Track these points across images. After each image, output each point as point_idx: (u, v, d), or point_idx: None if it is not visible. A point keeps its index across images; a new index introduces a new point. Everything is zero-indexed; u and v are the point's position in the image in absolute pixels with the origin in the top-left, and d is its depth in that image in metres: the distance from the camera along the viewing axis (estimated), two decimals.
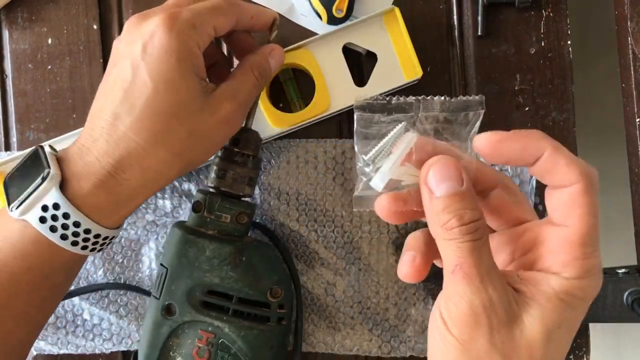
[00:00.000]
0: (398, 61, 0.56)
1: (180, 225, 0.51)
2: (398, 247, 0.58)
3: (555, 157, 0.34)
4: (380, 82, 0.57)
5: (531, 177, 0.57)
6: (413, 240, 0.38)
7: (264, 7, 0.52)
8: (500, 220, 0.39)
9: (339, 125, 0.59)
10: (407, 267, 0.37)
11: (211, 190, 0.51)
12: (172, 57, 0.41)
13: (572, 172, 0.33)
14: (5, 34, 0.61)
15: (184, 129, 0.42)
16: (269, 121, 0.56)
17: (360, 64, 0.59)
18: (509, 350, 0.32)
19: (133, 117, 0.41)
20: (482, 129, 0.58)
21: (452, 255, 0.33)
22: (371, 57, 0.58)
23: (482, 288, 0.32)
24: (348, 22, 0.56)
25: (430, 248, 0.37)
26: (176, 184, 0.59)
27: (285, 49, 0.56)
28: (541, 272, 0.34)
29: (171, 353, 0.49)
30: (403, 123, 0.37)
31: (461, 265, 0.32)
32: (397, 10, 0.55)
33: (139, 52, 0.41)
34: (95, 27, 0.61)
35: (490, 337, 0.32)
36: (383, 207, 0.36)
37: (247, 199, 0.53)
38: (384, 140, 0.37)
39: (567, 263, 0.33)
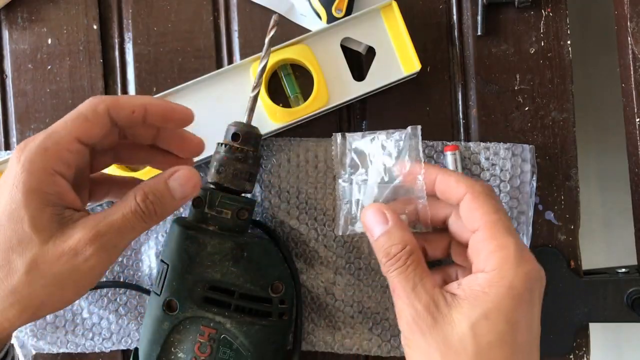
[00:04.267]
0: (397, 55, 0.57)
1: (180, 221, 0.50)
2: None
3: (444, 178, 0.46)
4: (379, 76, 0.57)
5: (532, 178, 0.57)
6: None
7: (151, 98, 0.45)
8: (459, 237, 0.48)
9: (339, 122, 0.60)
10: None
11: (211, 186, 0.51)
12: (16, 189, 0.38)
13: (460, 187, 0.45)
14: (5, 34, 0.61)
15: (22, 262, 0.38)
16: (268, 117, 0.57)
17: (359, 58, 0.59)
18: (443, 345, 0.40)
19: None
20: (483, 129, 0.59)
21: (390, 282, 0.44)
22: (369, 52, 0.58)
23: (409, 303, 0.42)
24: (346, 17, 0.56)
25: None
26: None
27: (284, 44, 0.56)
28: (475, 274, 0.42)
29: (173, 349, 0.49)
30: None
31: (394, 289, 0.44)
32: (394, 4, 0.56)
33: None
34: (95, 27, 0.61)
35: (424, 338, 0.41)
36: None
37: (247, 195, 0.53)
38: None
39: (486, 258, 0.42)
